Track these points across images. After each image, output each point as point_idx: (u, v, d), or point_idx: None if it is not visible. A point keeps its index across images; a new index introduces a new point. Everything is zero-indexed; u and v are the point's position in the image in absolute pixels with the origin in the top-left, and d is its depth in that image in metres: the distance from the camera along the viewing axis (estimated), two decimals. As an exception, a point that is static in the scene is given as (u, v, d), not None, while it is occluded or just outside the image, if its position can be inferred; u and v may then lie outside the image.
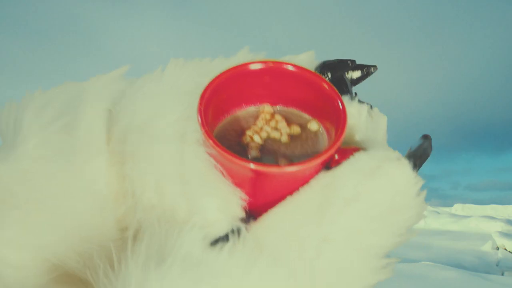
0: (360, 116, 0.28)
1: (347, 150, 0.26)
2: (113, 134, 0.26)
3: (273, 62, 0.27)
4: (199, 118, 0.24)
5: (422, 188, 0.26)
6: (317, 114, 0.28)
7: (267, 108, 0.28)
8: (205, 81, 0.25)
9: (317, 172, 0.25)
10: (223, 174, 0.24)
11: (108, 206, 0.25)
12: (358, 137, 0.28)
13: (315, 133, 0.27)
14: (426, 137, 0.28)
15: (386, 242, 0.24)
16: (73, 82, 0.29)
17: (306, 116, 0.28)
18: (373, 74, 0.32)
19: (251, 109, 0.28)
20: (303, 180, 0.25)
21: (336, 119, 0.26)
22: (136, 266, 0.21)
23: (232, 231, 0.23)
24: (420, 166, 0.27)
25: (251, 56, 0.29)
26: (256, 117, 0.28)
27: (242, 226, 0.24)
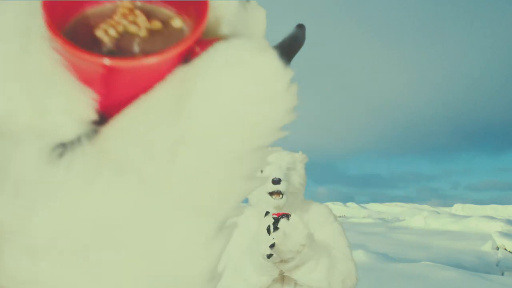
0: (229, 7, 0.25)
1: (208, 41, 0.23)
2: None
3: None
4: (43, 10, 0.22)
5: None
6: (181, 10, 0.26)
7: (125, 3, 0.25)
8: None
9: (175, 67, 0.23)
10: (71, 72, 0.22)
11: None
12: (227, 30, 0.25)
13: (179, 30, 0.25)
14: (299, 26, 0.26)
15: (253, 141, 0.21)
16: None
17: (170, 12, 0.26)
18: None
19: (108, 5, 0.26)
20: (160, 77, 0.22)
21: (198, 9, 0.24)
22: None
23: (73, 140, 0.21)
24: (290, 56, 0.24)
25: None
26: (113, 13, 0.25)
27: (88, 131, 0.21)
